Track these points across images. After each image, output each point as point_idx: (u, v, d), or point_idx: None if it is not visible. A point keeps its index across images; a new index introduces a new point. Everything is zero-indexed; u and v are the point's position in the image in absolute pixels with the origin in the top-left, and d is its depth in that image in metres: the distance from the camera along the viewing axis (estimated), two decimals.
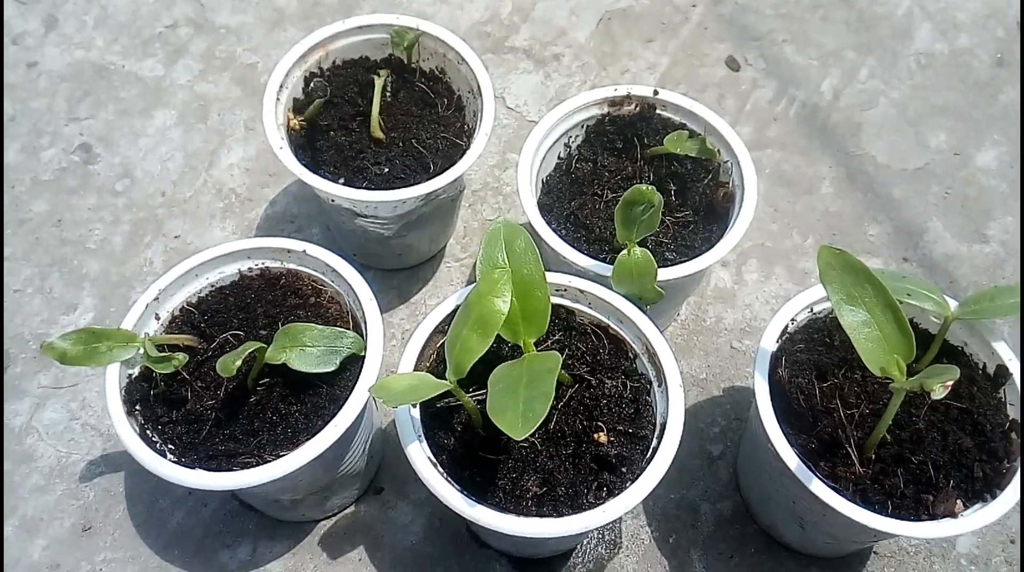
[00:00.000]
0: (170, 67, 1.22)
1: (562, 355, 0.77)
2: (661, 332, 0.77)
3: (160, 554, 0.89)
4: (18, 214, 1.09)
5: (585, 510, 0.68)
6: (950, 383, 0.57)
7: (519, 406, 0.60)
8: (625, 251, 0.77)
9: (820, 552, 0.86)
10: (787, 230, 1.09)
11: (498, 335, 0.75)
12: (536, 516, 0.69)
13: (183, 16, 1.27)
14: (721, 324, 1.02)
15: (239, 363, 0.71)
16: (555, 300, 0.80)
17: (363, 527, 0.90)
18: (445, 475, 0.71)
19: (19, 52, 1.23)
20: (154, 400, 0.77)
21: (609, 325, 0.79)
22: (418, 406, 0.74)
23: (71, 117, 1.17)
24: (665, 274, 0.81)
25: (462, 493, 0.68)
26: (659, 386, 0.76)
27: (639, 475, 0.70)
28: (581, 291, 0.79)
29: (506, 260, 0.70)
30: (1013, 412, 0.75)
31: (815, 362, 0.79)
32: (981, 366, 0.78)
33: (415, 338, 0.76)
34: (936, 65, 1.23)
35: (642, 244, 0.86)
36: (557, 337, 0.79)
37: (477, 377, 0.73)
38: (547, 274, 0.79)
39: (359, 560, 0.88)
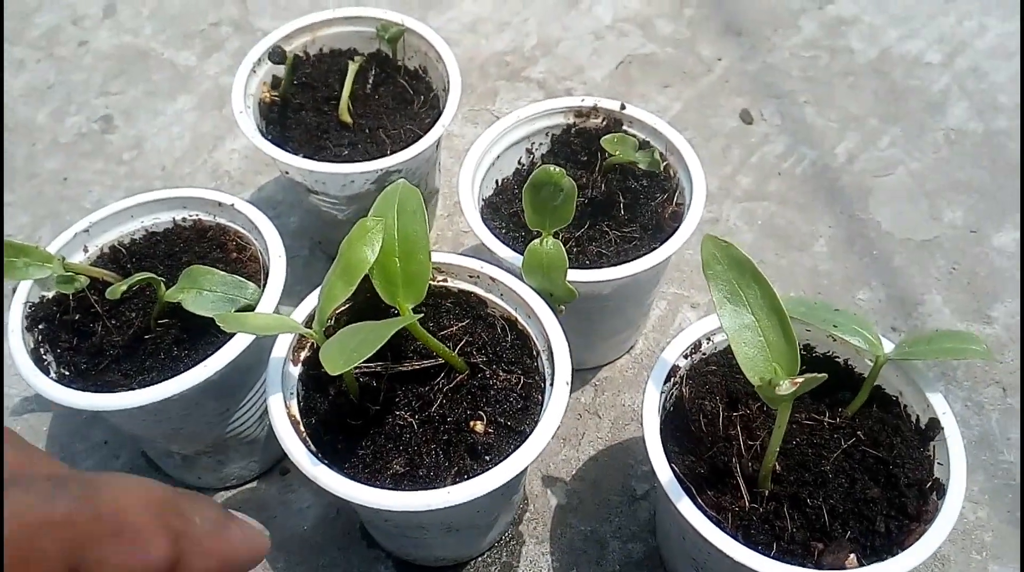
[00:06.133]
0: (203, 59, 1.29)
1: (461, 341, 0.75)
2: (562, 336, 0.72)
3: None
4: (31, 168, 1.15)
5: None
6: (799, 381, 0.51)
7: (347, 348, 0.57)
8: (538, 240, 0.74)
9: None
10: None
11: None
12: None
13: (228, 17, 1.34)
14: None
15: (124, 288, 0.71)
16: (468, 287, 0.77)
17: (258, 504, 0.87)
18: (304, 434, 0.68)
19: (76, 31, 1.32)
20: (61, 325, 0.78)
21: (517, 319, 0.76)
22: (299, 365, 0.72)
23: (103, 91, 1.25)
24: (582, 276, 0.77)
25: (310, 452, 0.65)
26: (551, 385, 0.71)
27: (495, 466, 0.65)
28: (493, 279, 0.76)
29: (395, 218, 0.68)
30: (940, 472, 0.67)
31: (729, 389, 0.73)
32: (915, 419, 0.70)
33: (311, 297, 0.74)
34: (966, 143, 1.16)
35: (583, 253, 0.84)
36: (464, 324, 0.76)
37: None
38: (462, 258, 0.77)
39: None
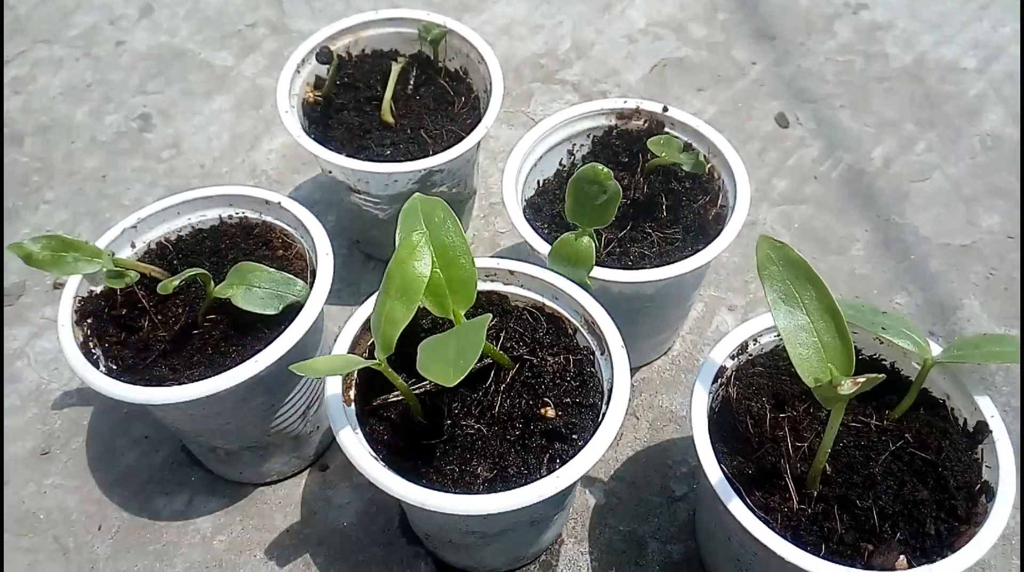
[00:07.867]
0: (240, 60, 1.30)
1: (499, 338, 0.75)
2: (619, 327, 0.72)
3: (103, 489, 0.89)
4: (70, 166, 1.17)
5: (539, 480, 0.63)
6: (860, 380, 0.51)
7: (449, 357, 0.57)
8: (573, 233, 0.74)
9: None
10: None
11: (431, 318, 0.74)
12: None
13: (264, 18, 1.36)
14: None
15: (177, 283, 0.72)
16: (486, 286, 0.77)
17: (300, 500, 0.88)
18: (384, 465, 0.66)
19: (112, 31, 1.34)
20: (109, 319, 0.79)
21: (545, 304, 0.76)
22: (352, 404, 0.70)
23: (140, 90, 1.26)
24: (627, 277, 0.77)
25: (400, 476, 0.64)
26: (602, 354, 0.72)
27: (590, 439, 0.65)
28: (511, 272, 0.76)
29: (425, 231, 0.67)
30: (988, 474, 0.67)
31: (775, 390, 0.73)
32: (962, 422, 0.70)
33: (350, 324, 0.73)
34: (1003, 148, 1.16)
35: (625, 254, 0.84)
36: (492, 322, 0.75)
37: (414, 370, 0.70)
38: (475, 259, 0.75)
39: (286, 531, 0.86)
